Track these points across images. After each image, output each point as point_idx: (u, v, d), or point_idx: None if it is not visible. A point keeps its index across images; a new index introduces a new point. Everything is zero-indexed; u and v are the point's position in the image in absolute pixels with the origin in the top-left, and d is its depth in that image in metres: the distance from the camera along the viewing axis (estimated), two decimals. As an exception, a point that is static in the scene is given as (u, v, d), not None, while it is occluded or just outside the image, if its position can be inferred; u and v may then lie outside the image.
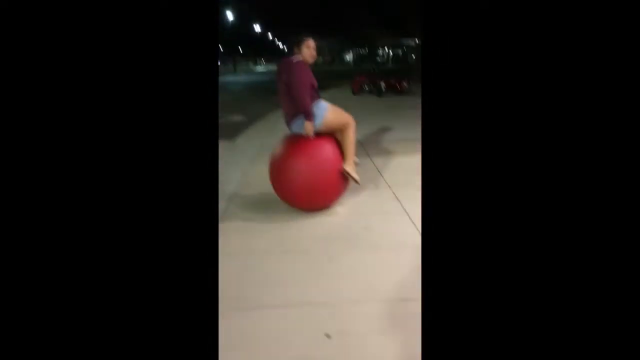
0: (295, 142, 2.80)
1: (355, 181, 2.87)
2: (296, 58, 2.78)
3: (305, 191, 2.75)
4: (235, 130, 6.51)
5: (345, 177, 2.86)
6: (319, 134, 2.83)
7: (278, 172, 2.82)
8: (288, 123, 2.86)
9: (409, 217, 2.74)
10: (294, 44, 2.82)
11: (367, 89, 12.04)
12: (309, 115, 2.69)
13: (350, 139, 2.86)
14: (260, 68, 56.96)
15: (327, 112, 2.79)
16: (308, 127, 2.72)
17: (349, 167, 2.86)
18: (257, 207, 3.09)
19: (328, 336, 1.58)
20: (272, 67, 56.97)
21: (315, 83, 2.84)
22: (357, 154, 2.98)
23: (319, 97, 2.87)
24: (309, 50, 2.80)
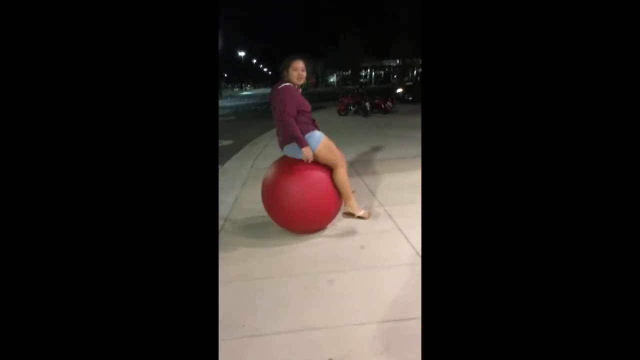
0: (288, 164, 2.81)
1: (363, 218, 2.93)
2: (282, 83, 2.78)
3: (299, 213, 2.74)
4: (226, 155, 6.50)
5: (340, 197, 2.86)
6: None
7: (271, 194, 2.81)
8: (281, 146, 2.87)
9: (403, 235, 2.75)
10: (282, 67, 2.82)
11: (352, 109, 12.20)
12: (301, 142, 2.67)
13: (342, 180, 2.82)
14: (246, 92, 57.38)
15: (320, 144, 2.76)
16: (306, 154, 2.69)
17: (351, 208, 2.89)
18: (251, 231, 3.07)
19: (331, 360, 1.56)
20: (258, 91, 57.40)
21: (307, 106, 2.83)
22: (349, 174, 2.98)
23: (314, 125, 2.86)
24: (296, 72, 2.76)
